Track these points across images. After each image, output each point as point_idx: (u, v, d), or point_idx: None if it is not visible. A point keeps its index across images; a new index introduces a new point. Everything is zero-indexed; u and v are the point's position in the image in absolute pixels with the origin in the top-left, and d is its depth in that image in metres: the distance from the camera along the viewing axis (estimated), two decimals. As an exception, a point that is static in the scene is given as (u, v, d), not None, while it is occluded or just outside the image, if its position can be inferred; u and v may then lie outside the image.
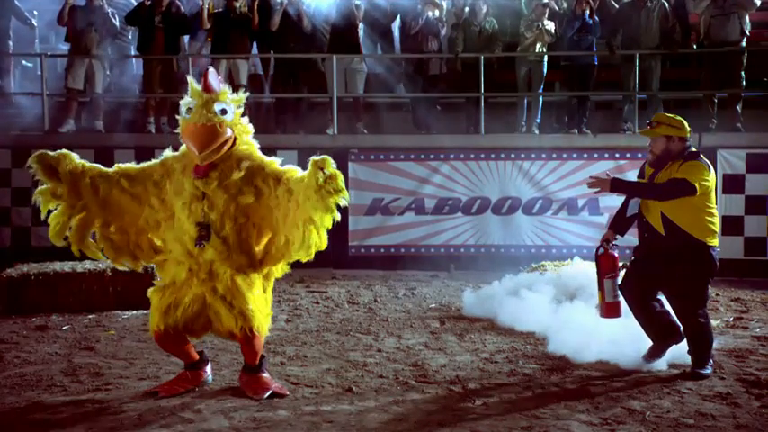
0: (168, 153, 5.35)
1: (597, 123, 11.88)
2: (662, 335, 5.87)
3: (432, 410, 5.04)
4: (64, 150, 5.14)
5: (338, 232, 11.08)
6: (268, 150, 5.53)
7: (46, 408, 5.05)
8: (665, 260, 5.68)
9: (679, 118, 5.85)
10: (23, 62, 13.55)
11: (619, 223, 6.04)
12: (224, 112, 5.08)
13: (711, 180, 5.70)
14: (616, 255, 5.92)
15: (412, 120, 12.21)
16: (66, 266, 8.27)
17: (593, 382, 5.65)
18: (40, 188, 5.15)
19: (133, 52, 12.55)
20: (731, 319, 7.83)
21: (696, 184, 5.56)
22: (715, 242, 5.72)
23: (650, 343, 5.94)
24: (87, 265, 8.21)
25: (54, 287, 8.09)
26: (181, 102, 5.19)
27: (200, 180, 5.09)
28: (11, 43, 12.83)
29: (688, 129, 5.79)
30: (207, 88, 5.10)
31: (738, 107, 11.37)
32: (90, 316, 7.84)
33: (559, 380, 5.73)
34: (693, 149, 5.80)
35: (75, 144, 11.22)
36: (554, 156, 11.03)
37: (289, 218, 5.03)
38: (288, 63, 11.86)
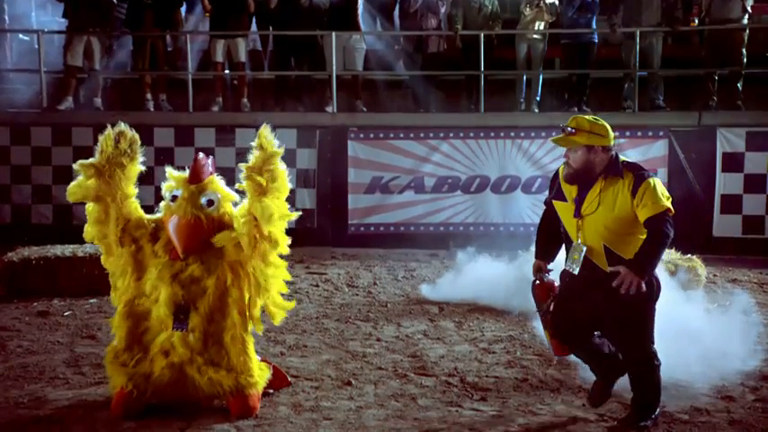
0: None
1: (597, 101, 11.84)
2: (610, 368, 4.93)
3: (430, 406, 5.10)
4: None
5: (338, 211, 11.22)
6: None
7: (48, 402, 5.10)
8: (606, 294, 4.52)
9: (602, 122, 4.63)
10: (20, 35, 13.46)
11: (545, 250, 4.98)
12: (210, 203, 4.76)
13: None
14: (555, 284, 4.90)
15: (411, 98, 12.17)
16: (67, 251, 8.31)
17: (590, 375, 5.67)
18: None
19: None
20: (728, 303, 7.85)
21: (669, 205, 4.46)
22: None
23: None
24: (88, 249, 8.24)
25: (55, 272, 8.12)
26: (164, 186, 4.87)
27: (180, 263, 4.78)
28: (6, 18, 12.74)
29: (612, 135, 4.62)
30: (193, 179, 4.77)
31: (739, 85, 11.33)
32: (91, 301, 7.88)
33: (556, 372, 5.78)
34: (626, 159, 4.68)
35: (73, 122, 11.33)
36: (554, 134, 10.97)
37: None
38: (286, 40, 11.79)
